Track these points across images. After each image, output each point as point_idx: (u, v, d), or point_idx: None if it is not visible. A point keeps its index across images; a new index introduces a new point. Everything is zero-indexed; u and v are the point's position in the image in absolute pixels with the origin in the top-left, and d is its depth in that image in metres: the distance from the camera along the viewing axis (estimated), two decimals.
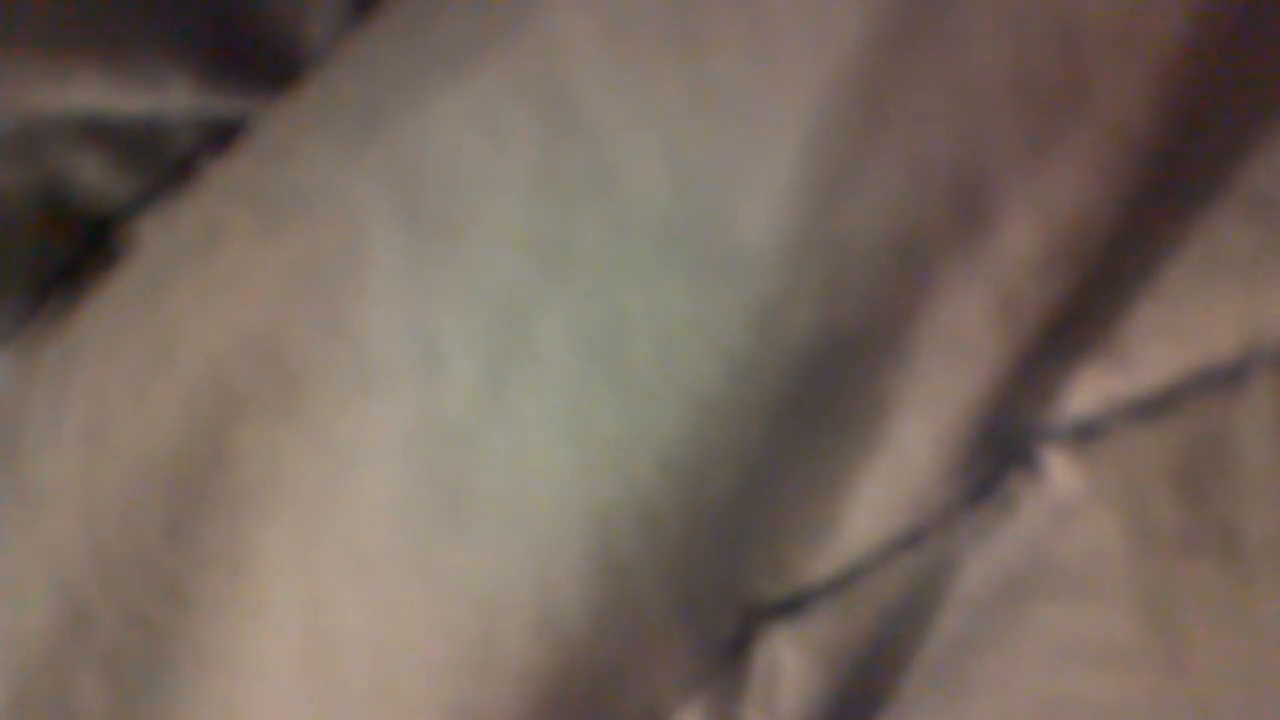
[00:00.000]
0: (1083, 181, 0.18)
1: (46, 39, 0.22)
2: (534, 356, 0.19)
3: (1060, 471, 0.21)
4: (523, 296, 0.19)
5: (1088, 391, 0.21)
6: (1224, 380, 0.20)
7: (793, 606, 0.21)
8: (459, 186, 0.19)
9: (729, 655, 0.21)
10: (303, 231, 0.20)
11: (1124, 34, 0.17)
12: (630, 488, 0.19)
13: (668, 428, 0.19)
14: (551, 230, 0.19)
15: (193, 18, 0.23)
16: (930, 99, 0.17)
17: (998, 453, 0.21)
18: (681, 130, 0.18)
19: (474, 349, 0.19)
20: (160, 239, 0.22)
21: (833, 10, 0.17)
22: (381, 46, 0.20)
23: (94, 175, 0.24)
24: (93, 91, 0.23)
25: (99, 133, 0.24)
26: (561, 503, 0.19)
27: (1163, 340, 0.20)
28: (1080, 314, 0.20)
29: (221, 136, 0.24)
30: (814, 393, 0.19)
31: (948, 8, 0.17)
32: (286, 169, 0.20)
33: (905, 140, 0.17)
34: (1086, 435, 0.21)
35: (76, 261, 0.25)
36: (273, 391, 0.20)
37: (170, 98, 0.23)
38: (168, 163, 0.24)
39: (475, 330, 0.19)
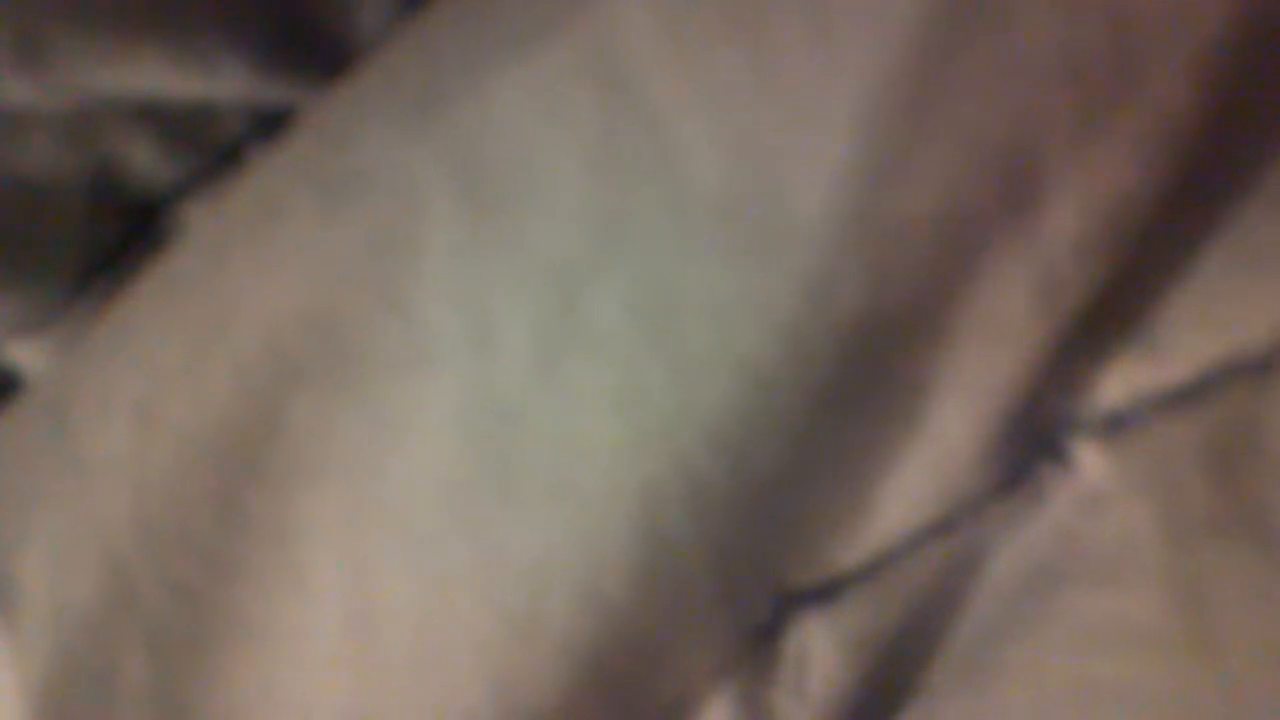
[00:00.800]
0: (1128, 166, 0.19)
1: (107, 22, 0.22)
2: (587, 332, 0.20)
3: (1091, 462, 0.21)
4: (577, 273, 0.19)
5: (1120, 383, 0.21)
6: (1254, 370, 0.21)
7: (825, 594, 0.22)
8: (518, 165, 0.20)
9: (762, 640, 0.22)
10: (362, 210, 0.21)
11: (1172, 20, 0.18)
12: (679, 463, 0.19)
13: (717, 402, 0.19)
14: (609, 207, 0.19)
15: (249, 5, 0.23)
16: (983, 81, 0.18)
17: (1029, 442, 0.21)
18: (739, 109, 0.18)
19: (528, 325, 0.20)
20: (215, 217, 0.23)
21: None
22: (439, 30, 0.21)
23: (145, 159, 0.25)
24: (150, 75, 0.23)
25: (152, 116, 0.24)
26: (611, 477, 0.20)
27: (1195, 331, 0.21)
28: (1116, 303, 0.20)
29: (270, 123, 0.25)
30: (858, 370, 0.20)
31: None
32: (347, 150, 0.21)
33: (958, 121, 0.18)
34: (1117, 426, 0.21)
35: (123, 244, 0.26)
36: (328, 363, 0.21)
37: (224, 83, 0.24)
38: (216, 148, 0.25)
39: (529, 306, 0.20)
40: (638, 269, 0.19)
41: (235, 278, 0.22)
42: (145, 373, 0.22)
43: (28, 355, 0.25)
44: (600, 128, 0.19)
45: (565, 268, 0.20)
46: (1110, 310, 0.20)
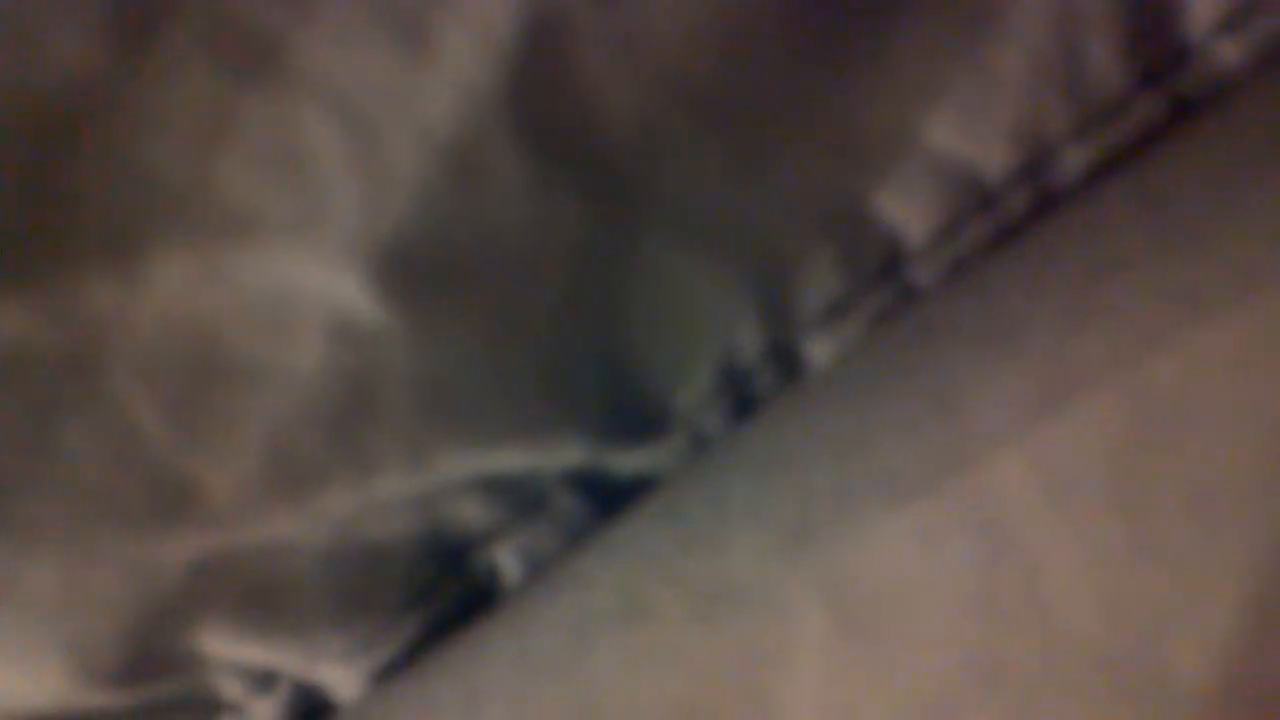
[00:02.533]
0: None
1: (483, 430, 0.24)
2: None
3: None
4: (952, 701, 0.21)
5: None
6: None
7: None
8: (894, 598, 0.21)
9: None
10: (734, 620, 0.22)
11: None
12: None
13: None
14: (984, 645, 0.21)
15: (590, 399, 0.25)
16: None
17: None
18: (1118, 574, 0.20)
19: None
20: (572, 597, 0.24)
21: (1271, 490, 0.19)
22: (809, 456, 0.23)
23: (470, 515, 0.26)
24: (503, 461, 0.25)
25: (486, 483, 0.26)
26: None
27: None
28: None
29: (576, 476, 0.27)
30: None
31: None
32: (716, 559, 0.23)
33: None
34: None
35: (434, 582, 0.27)
36: None
37: (558, 458, 0.26)
38: (529, 499, 0.27)
39: None
40: (1013, 704, 0.21)
41: (603, 667, 0.23)
42: None
43: (337, 679, 0.27)
44: (977, 573, 0.21)
45: (938, 693, 0.21)
46: None
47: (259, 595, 0.25)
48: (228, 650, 0.26)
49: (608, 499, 0.27)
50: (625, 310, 0.24)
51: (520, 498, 0.27)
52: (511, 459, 0.25)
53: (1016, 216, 0.25)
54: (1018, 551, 0.21)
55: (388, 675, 0.27)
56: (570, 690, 0.24)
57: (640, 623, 0.23)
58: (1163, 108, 0.24)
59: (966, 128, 0.24)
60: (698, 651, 0.23)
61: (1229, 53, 0.25)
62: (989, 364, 0.21)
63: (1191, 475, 0.20)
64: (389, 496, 0.25)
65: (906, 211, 0.25)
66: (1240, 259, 0.20)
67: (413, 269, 0.22)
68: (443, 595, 0.27)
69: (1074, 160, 0.25)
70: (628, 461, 0.27)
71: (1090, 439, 0.20)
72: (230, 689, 0.27)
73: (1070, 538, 0.20)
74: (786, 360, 0.26)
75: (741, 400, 0.26)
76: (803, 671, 0.22)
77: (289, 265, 0.22)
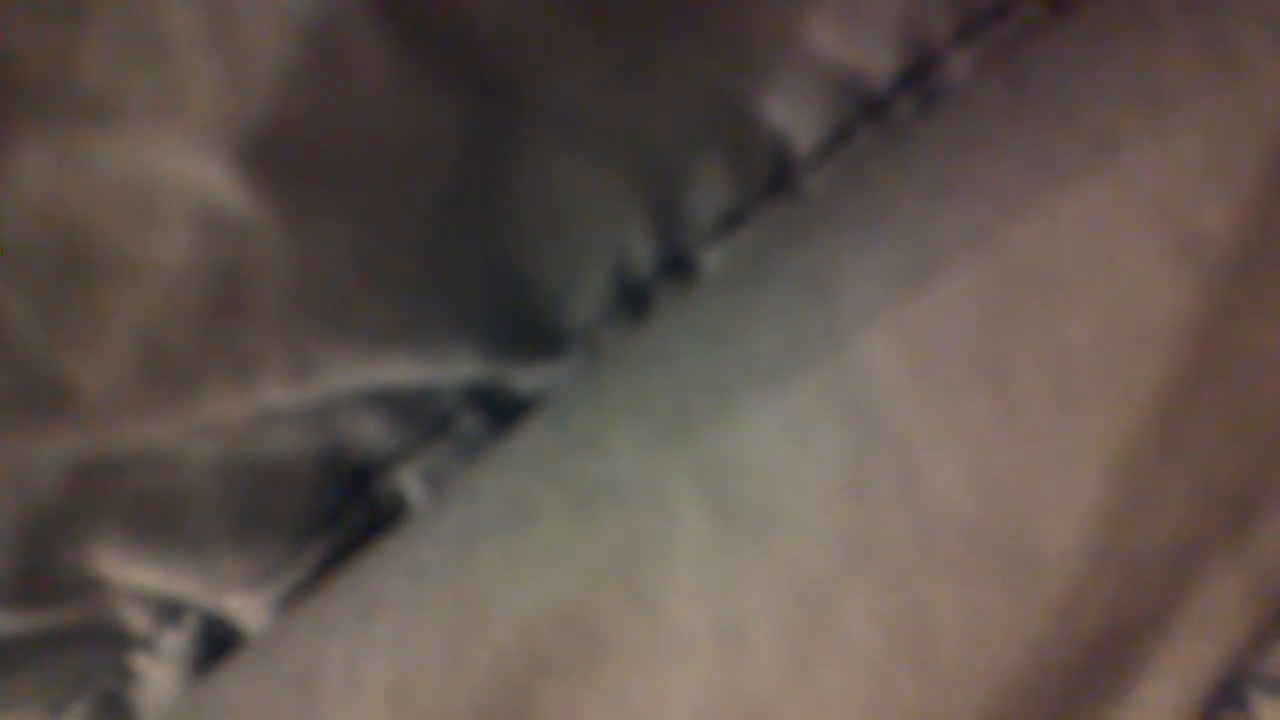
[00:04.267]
0: None
1: (366, 336, 0.24)
2: (837, 638, 0.21)
3: (1267, 714, 0.23)
4: (828, 585, 0.21)
5: None
6: None
7: None
8: (768, 485, 0.21)
9: None
10: (615, 516, 0.22)
11: None
12: None
13: (967, 707, 0.21)
14: (858, 528, 0.21)
15: (480, 307, 0.25)
16: (1218, 435, 0.20)
17: (1217, 697, 0.23)
18: (987, 448, 0.20)
19: (778, 628, 0.21)
20: (461, 506, 0.24)
21: (1134, 354, 0.20)
22: (686, 349, 0.23)
23: (371, 434, 0.26)
24: (393, 372, 0.25)
25: (382, 399, 0.26)
26: None
27: None
28: None
29: (477, 394, 0.27)
30: (1094, 666, 0.21)
31: (1237, 359, 0.20)
32: (597, 458, 0.23)
33: (1195, 467, 0.20)
34: None
35: (339, 507, 0.27)
36: (578, 657, 0.22)
37: (452, 371, 0.26)
38: (432, 420, 0.27)
39: (780, 611, 0.21)
40: (887, 584, 0.21)
41: (488, 570, 0.23)
42: (398, 654, 0.24)
43: (243, 608, 0.27)
44: (848, 456, 0.21)
45: (815, 579, 0.21)
46: None
47: (150, 510, 0.25)
48: (127, 573, 0.26)
49: (512, 419, 0.26)
50: (510, 214, 0.24)
51: (423, 418, 0.27)
52: (402, 369, 0.25)
53: (903, 121, 0.25)
54: (886, 430, 0.21)
55: (293, 602, 0.27)
56: (456, 596, 0.23)
57: (523, 525, 0.23)
58: (1043, 5, 0.25)
59: (850, 31, 0.24)
60: (579, 550, 0.22)
61: None
62: (858, 244, 0.21)
63: (1055, 344, 0.20)
64: (277, 406, 0.25)
65: (794, 119, 0.25)
66: (1099, 126, 0.20)
67: (280, 158, 0.22)
68: (347, 520, 0.27)
69: (958, 63, 0.25)
70: (530, 379, 0.26)
71: (954, 311, 0.20)
72: (137, 620, 0.27)
73: (937, 413, 0.20)
74: (684, 272, 0.26)
75: (640, 314, 0.26)
76: (680, 562, 0.22)
77: (151, 151, 0.22)
